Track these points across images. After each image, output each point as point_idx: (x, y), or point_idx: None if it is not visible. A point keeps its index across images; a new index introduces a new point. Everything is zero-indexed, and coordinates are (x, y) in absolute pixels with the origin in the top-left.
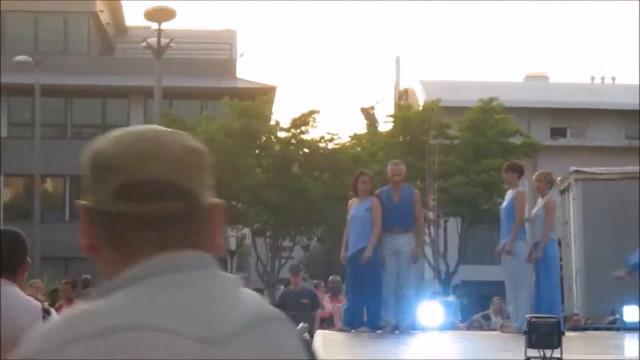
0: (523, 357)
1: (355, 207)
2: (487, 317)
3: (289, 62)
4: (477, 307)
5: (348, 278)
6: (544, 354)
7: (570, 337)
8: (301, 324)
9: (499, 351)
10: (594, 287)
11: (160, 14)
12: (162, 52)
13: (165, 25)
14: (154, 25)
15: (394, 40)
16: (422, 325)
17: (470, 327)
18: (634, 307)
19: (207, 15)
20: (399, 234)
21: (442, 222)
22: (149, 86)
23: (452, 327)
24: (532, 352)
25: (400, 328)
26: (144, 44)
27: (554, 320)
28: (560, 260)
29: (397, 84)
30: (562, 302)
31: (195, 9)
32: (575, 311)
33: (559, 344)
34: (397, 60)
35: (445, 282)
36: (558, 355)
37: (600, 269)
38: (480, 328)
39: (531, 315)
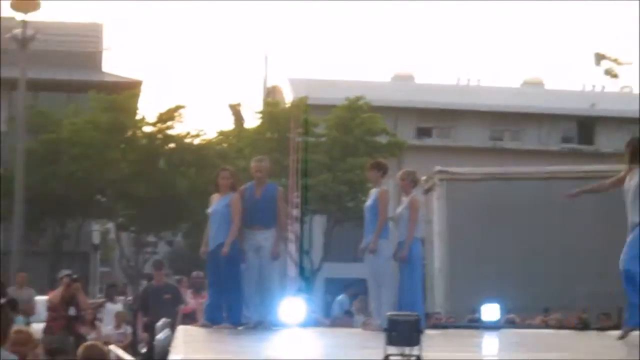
0: (382, 355)
1: (215, 202)
2: (349, 314)
3: (157, 56)
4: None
5: (209, 274)
6: (404, 351)
7: (430, 335)
8: (163, 319)
9: (360, 348)
10: (456, 286)
11: (25, 5)
12: (27, 44)
13: (31, 17)
14: (19, 16)
15: (262, 37)
16: (284, 321)
17: (332, 324)
18: (494, 306)
19: (73, 8)
20: (259, 230)
21: (307, 219)
22: (13, 78)
23: (315, 323)
24: (392, 350)
25: (263, 324)
26: (9, 35)
27: (414, 318)
28: (423, 259)
29: (265, 81)
30: (425, 301)
31: (62, 1)
32: (437, 309)
33: (418, 342)
34: (266, 57)
35: (310, 279)
36: (417, 353)
37: (462, 268)
38: (341, 325)
39: (392, 312)
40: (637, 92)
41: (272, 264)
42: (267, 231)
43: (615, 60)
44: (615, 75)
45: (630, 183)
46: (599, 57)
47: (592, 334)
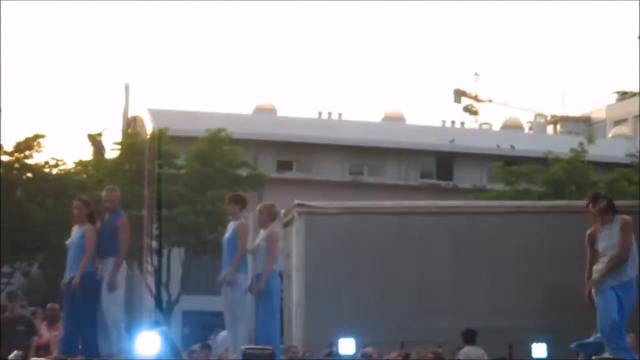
0: None
1: (73, 234)
2: (207, 347)
3: (15, 84)
4: (199, 337)
5: (64, 305)
6: None
7: None
8: (15, 352)
9: None
10: (313, 319)
11: None
12: None
13: None
14: None
15: (124, 66)
16: (139, 354)
17: (190, 357)
18: (350, 340)
19: None
20: (100, 261)
21: (165, 251)
22: None
23: (173, 356)
24: None
25: (117, 356)
26: None
27: (268, 351)
28: (281, 292)
29: (125, 111)
30: (282, 334)
31: None
32: (295, 343)
33: None
34: (127, 87)
35: (167, 311)
36: None
37: (320, 301)
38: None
39: (247, 346)
40: (496, 128)
41: (109, 295)
42: (107, 261)
43: (474, 97)
44: (474, 112)
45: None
46: (459, 94)
47: None
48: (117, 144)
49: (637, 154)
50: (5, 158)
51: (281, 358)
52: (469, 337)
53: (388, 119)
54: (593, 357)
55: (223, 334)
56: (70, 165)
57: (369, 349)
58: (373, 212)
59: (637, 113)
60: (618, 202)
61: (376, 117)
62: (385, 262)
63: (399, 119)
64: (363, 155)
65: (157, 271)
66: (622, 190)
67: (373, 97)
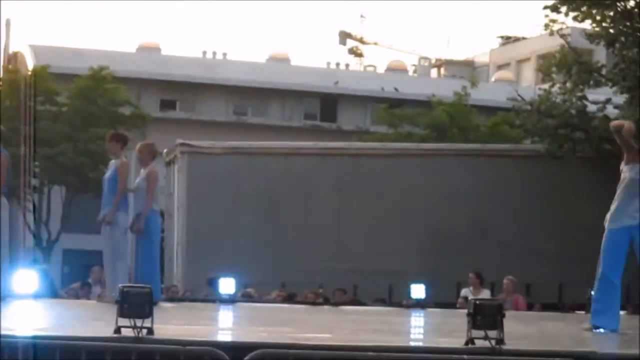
0: (115, 326)
1: None
2: (87, 286)
3: None
4: (79, 275)
5: None
6: (135, 323)
7: (166, 308)
8: None
9: (92, 320)
10: (194, 259)
11: None
12: None
13: None
14: None
15: (3, 1)
16: (16, 292)
17: (68, 296)
18: (230, 280)
19: None
20: None
21: (46, 189)
22: None
23: (50, 295)
24: (123, 321)
25: None
26: None
27: (146, 290)
28: (163, 232)
29: (6, 47)
30: (162, 273)
31: None
32: (175, 282)
33: (150, 314)
34: (7, 22)
35: (47, 250)
36: (149, 325)
37: (201, 241)
38: (77, 297)
39: (124, 284)
40: (380, 71)
41: None
42: None
43: (360, 40)
44: (359, 54)
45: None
46: (344, 36)
47: (328, 309)
48: None
49: (519, 98)
50: None
51: (161, 297)
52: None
53: (273, 59)
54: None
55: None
56: None
57: (249, 290)
58: (256, 152)
59: (520, 58)
60: (499, 146)
61: (261, 57)
62: (268, 203)
63: (284, 60)
64: (247, 96)
65: (37, 209)
66: (504, 134)
67: (258, 37)
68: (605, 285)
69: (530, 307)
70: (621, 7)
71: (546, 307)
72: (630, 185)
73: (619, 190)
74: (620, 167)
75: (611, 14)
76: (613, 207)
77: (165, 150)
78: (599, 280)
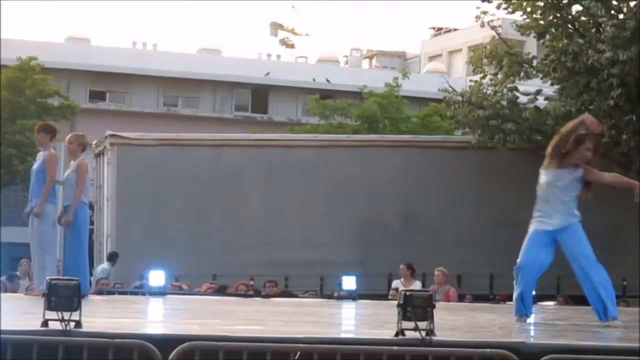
0: (42, 320)
1: None
2: (15, 278)
3: None
4: (7, 268)
5: None
6: (63, 316)
7: (95, 301)
8: None
9: (20, 313)
10: (124, 252)
11: None
12: None
13: None
14: None
15: None
16: None
17: None
18: (160, 272)
19: None
20: None
21: None
22: None
23: None
24: (51, 315)
25: None
26: None
27: (74, 283)
28: (92, 224)
29: None
30: (92, 266)
31: None
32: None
33: (78, 307)
34: None
35: None
36: (77, 318)
37: (131, 234)
38: (5, 290)
39: (52, 277)
40: (312, 62)
41: None
42: None
43: (291, 31)
44: (291, 45)
45: None
46: (276, 27)
47: (259, 300)
48: None
49: (450, 89)
50: None
51: (90, 290)
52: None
53: (204, 50)
54: None
55: (103, 266)
56: None
57: (179, 282)
58: (186, 144)
59: (452, 49)
60: (430, 137)
61: (192, 48)
62: (198, 195)
63: (215, 51)
64: (178, 87)
65: None
66: (435, 125)
67: (189, 28)
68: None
69: (461, 298)
70: None
71: (477, 298)
72: (541, 190)
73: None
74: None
75: (541, 5)
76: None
77: (94, 142)
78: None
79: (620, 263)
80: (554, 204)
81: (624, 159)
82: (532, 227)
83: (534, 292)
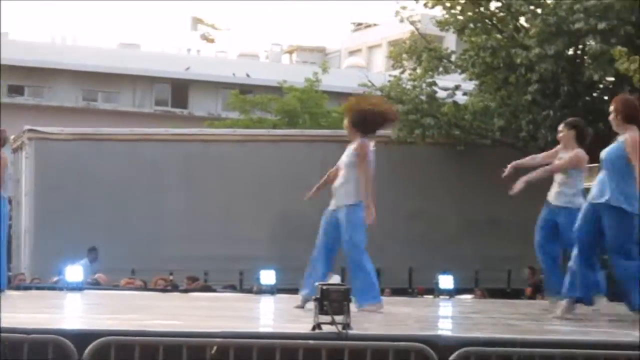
0: None
1: None
2: None
3: None
4: None
5: None
6: None
7: (12, 296)
8: None
9: None
10: (42, 247)
11: None
12: None
13: None
14: None
15: None
16: None
17: None
18: (77, 267)
19: None
20: None
21: None
22: None
23: None
24: None
25: None
26: None
27: None
28: (10, 219)
29: None
30: (10, 261)
31: None
32: (23, 270)
33: None
34: None
35: None
36: None
37: (49, 229)
38: None
39: None
40: (232, 57)
41: None
42: None
43: (212, 26)
44: (211, 40)
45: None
46: (196, 22)
47: (178, 295)
48: None
49: (370, 84)
50: None
51: (7, 285)
52: None
53: (123, 45)
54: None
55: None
56: None
57: (98, 275)
58: (105, 138)
59: (372, 44)
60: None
61: (112, 43)
62: (117, 189)
63: (134, 46)
64: (97, 82)
65: None
66: None
67: (108, 23)
68: None
69: (380, 292)
70: None
71: (396, 292)
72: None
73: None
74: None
75: (461, 0)
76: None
77: (12, 137)
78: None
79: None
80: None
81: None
82: None
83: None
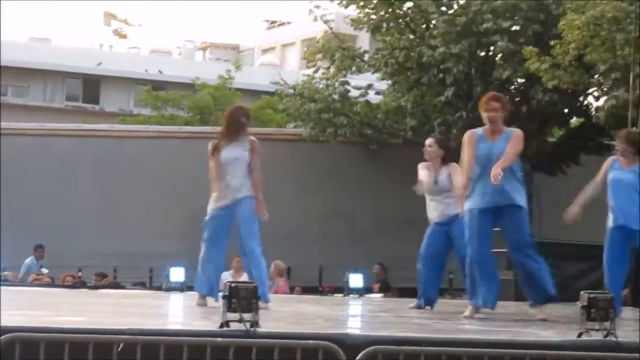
0: None
1: None
2: None
3: None
4: None
5: None
6: None
7: None
8: None
9: None
10: None
11: None
12: None
13: None
14: None
15: None
16: None
17: None
18: None
19: None
20: None
21: None
22: None
23: None
24: None
25: None
26: None
27: None
28: None
29: None
30: None
31: None
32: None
33: None
34: None
35: None
36: None
37: None
38: None
39: None
40: (145, 53)
41: None
42: None
43: (124, 21)
44: (124, 36)
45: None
46: (109, 17)
47: (86, 292)
48: None
49: (282, 82)
50: None
51: None
52: None
53: (34, 39)
54: None
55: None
56: None
57: (6, 273)
58: (14, 133)
59: (285, 42)
60: (262, 130)
61: (22, 37)
62: (27, 184)
63: (45, 40)
64: (7, 76)
65: None
66: (267, 118)
67: (19, 16)
68: None
69: (291, 290)
70: None
71: (306, 290)
72: None
73: None
74: None
75: (373, 0)
76: None
77: None
78: None
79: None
80: None
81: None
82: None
83: None
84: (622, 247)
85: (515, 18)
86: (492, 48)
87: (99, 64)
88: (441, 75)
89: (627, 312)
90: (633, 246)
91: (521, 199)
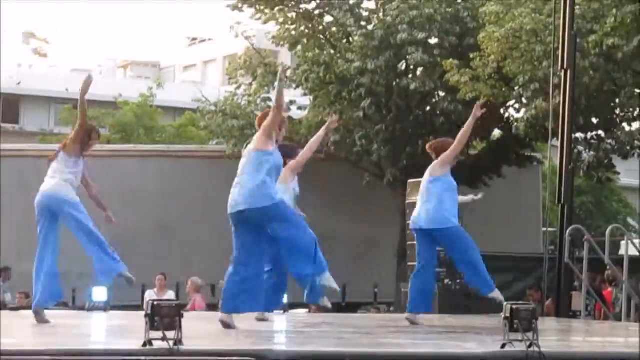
0: None
1: None
2: None
3: None
4: None
5: None
6: None
7: None
8: None
9: None
10: None
11: None
12: None
13: None
14: None
15: None
16: None
17: None
18: None
19: None
20: None
21: None
22: None
23: None
24: None
25: None
26: None
27: None
28: None
29: None
30: None
31: None
32: None
33: None
34: None
35: None
36: None
37: None
38: None
39: None
40: (66, 71)
41: None
42: None
43: (44, 40)
44: (44, 55)
45: None
46: (28, 36)
47: (9, 313)
48: None
49: (204, 99)
50: None
51: None
52: None
53: None
54: None
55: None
56: None
57: None
58: None
59: (207, 59)
60: (184, 147)
61: None
62: None
63: None
64: None
65: None
66: (190, 135)
67: None
68: None
69: (215, 307)
70: (302, 9)
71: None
72: None
73: None
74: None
75: (293, 16)
76: None
77: None
78: None
79: (373, 271)
80: None
81: (376, 168)
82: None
83: None
84: None
85: (431, 29)
86: (407, 59)
87: (19, 83)
88: (359, 89)
89: (550, 323)
90: None
91: None
